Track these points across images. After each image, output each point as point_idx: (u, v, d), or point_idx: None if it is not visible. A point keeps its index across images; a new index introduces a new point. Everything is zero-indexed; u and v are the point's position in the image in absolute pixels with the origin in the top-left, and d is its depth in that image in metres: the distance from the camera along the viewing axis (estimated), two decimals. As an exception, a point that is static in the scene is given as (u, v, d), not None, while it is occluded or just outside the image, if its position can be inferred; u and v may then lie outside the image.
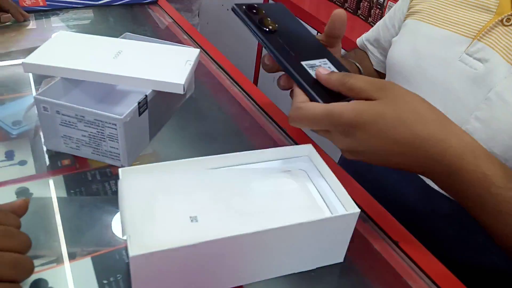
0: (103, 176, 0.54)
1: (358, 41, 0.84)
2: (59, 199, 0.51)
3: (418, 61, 0.60)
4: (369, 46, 0.79)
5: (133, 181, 0.41)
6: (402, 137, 0.40)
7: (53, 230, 0.46)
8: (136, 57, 0.57)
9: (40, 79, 0.68)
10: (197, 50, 0.61)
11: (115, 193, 0.52)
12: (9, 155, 0.56)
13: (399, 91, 0.41)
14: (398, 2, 0.74)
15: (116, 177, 0.54)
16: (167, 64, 0.57)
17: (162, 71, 0.55)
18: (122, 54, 0.57)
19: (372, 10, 1.71)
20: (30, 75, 0.70)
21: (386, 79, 0.67)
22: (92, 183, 0.53)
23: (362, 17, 1.76)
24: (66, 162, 0.56)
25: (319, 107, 0.41)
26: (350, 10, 1.82)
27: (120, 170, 0.41)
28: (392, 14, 0.74)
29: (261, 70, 2.24)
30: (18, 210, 0.39)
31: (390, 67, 0.65)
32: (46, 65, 0.52)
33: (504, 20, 0.52)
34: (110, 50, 0.57)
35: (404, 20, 0.67)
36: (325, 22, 0.83)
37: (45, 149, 0.56)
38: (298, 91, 0.44)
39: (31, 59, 0.54)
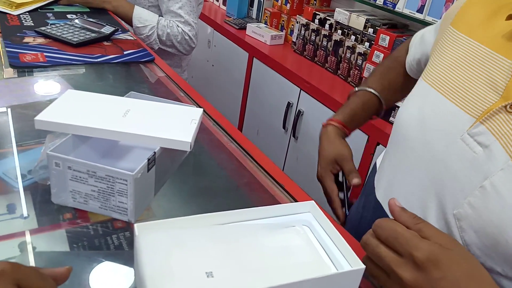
0: (105, 230, 0.55)
1: (412, 39, 0.85)
2: (62, 253, 0.52)
3: (423, 132, 0.58)
4: (411, 56, 0.82)
5: (148, 237, 0.42)
6: None
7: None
8: (144, 115, 0.60)
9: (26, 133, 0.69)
10: (201, 110, 0.65)
11: (118, 247, 0.53)
12: (11, 209, 0.57)
13: (469, 254, 0.45)
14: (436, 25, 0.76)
15: (117, 230, 0.55)
16: (173, 123, 0.60)
17: (170, 130, 0.57)
18: (131, 112, 0.60)
19: (351, 71, 1.81)
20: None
21: (390, 139, 0.67)
22: (94, 237, 0.54)
23: (341, 77, 1.86)
24: (68, 215, 0.57)
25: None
26: (330, 70, 1.92)
27: (135, 226, 0.43)
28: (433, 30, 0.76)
29: (245, 122, 2.30)
30: (59, 277, 0.39)
31: (397, 129, 0.64)
32: (58, 122, 0.55)
33: (508, 107, 0.50)
34: (118, 108, 0.60)
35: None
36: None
37: (47, 202, 0.57)
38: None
39: (43, 116, 0.56)
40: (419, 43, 0.80)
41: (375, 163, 0.77)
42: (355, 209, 0.77)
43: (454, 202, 0.53)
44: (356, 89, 0.82)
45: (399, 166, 0.64)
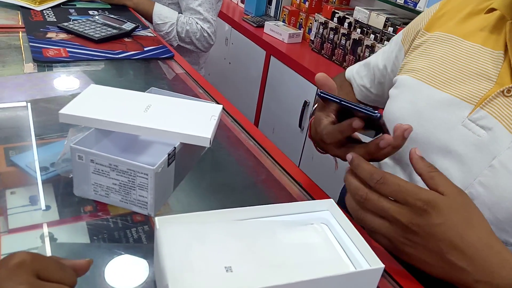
0: (124, 223, 0.56)
1: (347, 72, 0.90)
2: (82, 245, 0.53)
3: (420, 122, 0.61)
4: (357, 79, 0.85)
5: (169, 230, 0.42)
6: (476, 235, 0.46)
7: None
8: (164, 111, 0.61)
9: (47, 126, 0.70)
10: (220, 106, 0.65)
11: (137, 240, 0.54)
12: (34, 200, 0.58)
13: (472, 203, 0.48)
14: (390, 44, 0.79)
15: (137, 224, 0.56)
16: (193, 119, 0.60)
17: (190, 125, 0.58)
18: (152, 107, 0.60)
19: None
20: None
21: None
22: (114, 230, 0.55)
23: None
24: (88, 208, 0.58)
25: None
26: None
27: (156, 219, 0.43)
28: (385, 55, 0.79)
29: (261, 120, 2.30)
30: (79, 269, 0.39)
31: (391, 123, 0.66)
32: (82, 116, 0.56)
33: (505, 91, 0.55)
34: (140, 103, 0.61)
35: (400, 73, 0.70)
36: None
37: (69, 195, 0.58)
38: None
39: (67, 110, 0.57)
40: (367, 70, 0.84)
41: None
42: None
43: (463, 183, 0.56)
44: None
45: (399, 160, 0.65)
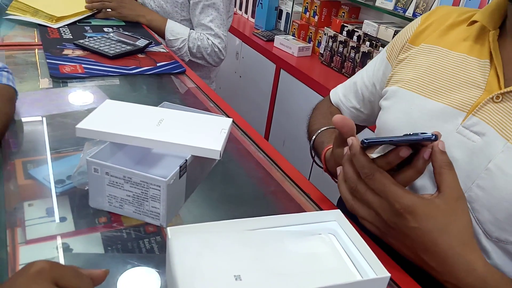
0: (137, 234, 0.58)
1: (333, 97, 0.91)
2: (97, 255, 0.54)
3: (415, 130, 0.62)
4: (345, 102, 0.87)
5: (181, 240, 0.44)
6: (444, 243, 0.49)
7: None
8: (176, 124, 0.63)
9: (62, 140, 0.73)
10: (230, 120, 0.67)
11: (149, 251, 0.55)
12: (50, 212, 0.60)
13: (462, 210, 0.50)
14: (374, 63, 0.81)
15: (149, 235, 0.58)
16: (204, 132, 0.62)
17: (200, 138, 0.60)
18: (164, 121, 0.62)
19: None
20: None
21: None
22: (127, 241, 0.56)
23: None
24: (103, 219, 0.60)
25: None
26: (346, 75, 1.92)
27: (168, 229, 0.45)
28: (371, 74, 0.80)
29: (271, 133, 2.32)
30: (96, 278, 0.40)
31: (387, 133, 0.69)
32: (98, 131, 0.58)
33: (494, 98, 0.57)
34: (153, 117, 0.63)
35: (388, 85, 0.72)
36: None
37: (84, 207, 0.60)
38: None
39: (83, 124, 0.59)
40: (355, 91, 0.86)
41: None
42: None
43: (462, 187, 0.57)
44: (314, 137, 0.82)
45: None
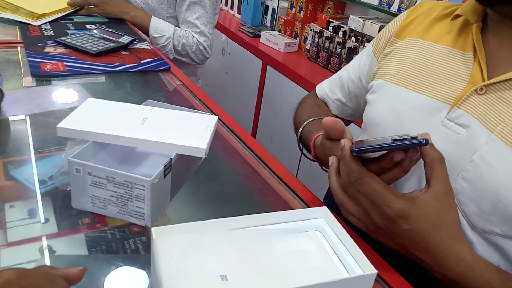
0: (122, 234, 0.57)
1: (319, 91, 0.91)
2: (81, 257, 0.53)
3: (402, 124, 0.64)
4: (331, 96, 0.87)
5: (165, 240, 0.43)
6: (434, 239, 0.50)
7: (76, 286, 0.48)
8: (160, 123, 0.62)
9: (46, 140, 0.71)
10: (215, 117, 0.66)
11: (135, 251, 0.54)
12: (32, 213, 0.59)
13: (450, 205, 0.51)
14: (360, 57, 0.81)
15: (134, 235, 0.57)
16: (189, 130, 0.61)
17: (186, 137, 0.59)
18: (148, 120, 0.61)
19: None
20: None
21: (368, 137, 0.71)
22: (111, 241, 0.55)
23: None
24: (86, 220, 0.59)
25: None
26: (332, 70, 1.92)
27: (153, 229, 0.44)
28: (357, 68, 0.81)
29: (258, 129, 2.32)
30: (72, 278, 0.38)
31: (373, 127, 0.69)
32: (79, 130, 0.57)
33: (478, 90, 0.58)
34: (136, 116, 0.62)
35: (374, 79, 0.72)
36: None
37: (67, 207, 0.59)
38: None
39: (64, 124, 0.58)
40: (340, 85, 0.86)
41: None
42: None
43: None
44: (301, 129, 0.82)
45: None
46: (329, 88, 0.89)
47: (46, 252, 0.52)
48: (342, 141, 0.53)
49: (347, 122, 0.90)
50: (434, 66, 0.64)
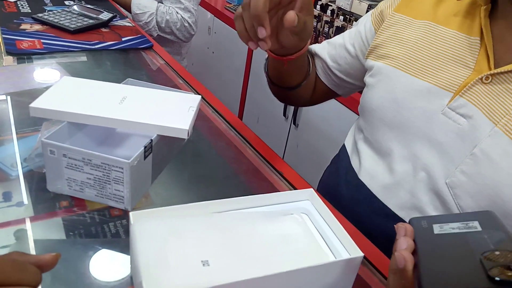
0: (101, 218, 0.55)
1: (309, 47, 0.83)
2: (58, 241, 0.51)
3: (399, 110, 0.61)
4: (320, 53, 0.80)
5: (144, 225, 0.41)
6: None
7: (53, 272, 0.46)
8: (140, 102, 0.59)
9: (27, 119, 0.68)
10: (199, 97, 0.64)
11: (115, 235, 0.53)
12: (7, 197, 0.56)
13: None
14: (359, 27, 0.76)
15: (114, 218, 0.55)
16: (171, 110, 0.59)
17: (167, 117, 0.57)
18: (127, 99, 0.59)
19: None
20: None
21: (365, 122, 0.68)
22: (91, 225, 0.53)
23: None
24: (64, 203, 0.56)
25: None
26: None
27: (131, 214, 0.42)
28: (353, 35, 0.76)
29: (245, 109, 2.29)
30: (44, 265, 0.35)
31: (370, 112, 0.66)
32: (54, 110, 0.54)
33: (484, 79, 0.54)
34: (115, 95, 0.59)
35: (373, 57, 0.68)
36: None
37: (43, 190, 0.56)
38: None
39: (38, 103, 0.55)
40: (333, 48, 0.79)
41: (343, 144, 0.77)
42: (328, 174, 0.79)
43: (445, 172, 0.56)
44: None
45: (380, 150, 0.65)
46: (319, 48, 0.82)
47: (22, 237, 0.50)
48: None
49: (331, 94, 0.85)
50: (437, 50, 0.60)
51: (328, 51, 0.80)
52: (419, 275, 0.34)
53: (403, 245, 0.37)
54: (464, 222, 0.37)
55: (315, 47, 0.83)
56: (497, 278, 0.31)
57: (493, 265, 0.32)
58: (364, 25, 0.75)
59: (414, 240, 0.38)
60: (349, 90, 0.82)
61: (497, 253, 0.33)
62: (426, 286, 0.33)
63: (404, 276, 0.36)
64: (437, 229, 0.38)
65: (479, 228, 0.36)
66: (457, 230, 0.37)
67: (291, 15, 0.52)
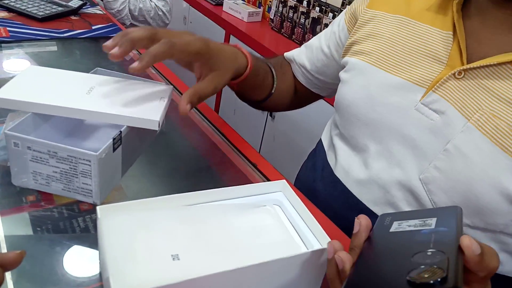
0: (70, 213, 0.53)
1: (286, 54, 0.85)
2: (25, 237, 0.49)
3: (373, 107, 0.60)
4: (298, 60, 0.81)
5: (112, 220, 0.40)
6: None
7: (19, 269, 0.44)
8: (109, 93, 0.57)
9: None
10: (170, 87, 0.63)
11: (84, 230, 0.51)
12: (-31, 192, 0.54)
13: None
14: (334, 27, 0.76)
15: (83, 213, 0.53)
16: (141, 101, 0.57)
17: (137, 108, 0.55)
18: (95, 89, 0.57)
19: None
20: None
21: (340, 118, 0.68)
22: (59, 220, 0.52)
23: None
24: (31, 198, 0.55)
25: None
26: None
27: (98, 208, 0.41)
28: (328, 36, 0.76)
29: (222, 101, 2.27)
30: (8, 263, 0.34)
31: (345, 108, 0.66)
32: (16, 100, 0.52)
33: (456, 74, 0.54)
34: (82, 85, 0.57)
35: (348, 54, 0.68)
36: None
37: (8, 185, 0.54)
38: None
39: (0, 93, 0.52)
40: (309, 53, 0.80)
41: (320, 139, 0.77)
42: (304, 169, 0.79)
43: (419, 168, 0.56)
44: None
45: (355, 146, 0.65)
46: (297, 53, 0.83)
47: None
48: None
49: (314, 97, 0.86)
50: (411, 45, 0.59)
51: (306, 55, 0.80)
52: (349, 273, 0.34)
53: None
54: (422, 219, 0.37)
55: (293, 53, 0.84)
56: (413, 281, 0.29)
57: (416, 267, 0.30)
58: (338, 25, 0.75)
59: (369, 237, 0.39)
60: (332, 91, 0.82)
61: (428, 253, 0.32)
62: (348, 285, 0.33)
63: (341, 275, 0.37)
64: (395, 226, 0.38)
65: (433, 226, 0.35)
66: (411, 228, 0.36)
67: (182, 108, 0.55)
